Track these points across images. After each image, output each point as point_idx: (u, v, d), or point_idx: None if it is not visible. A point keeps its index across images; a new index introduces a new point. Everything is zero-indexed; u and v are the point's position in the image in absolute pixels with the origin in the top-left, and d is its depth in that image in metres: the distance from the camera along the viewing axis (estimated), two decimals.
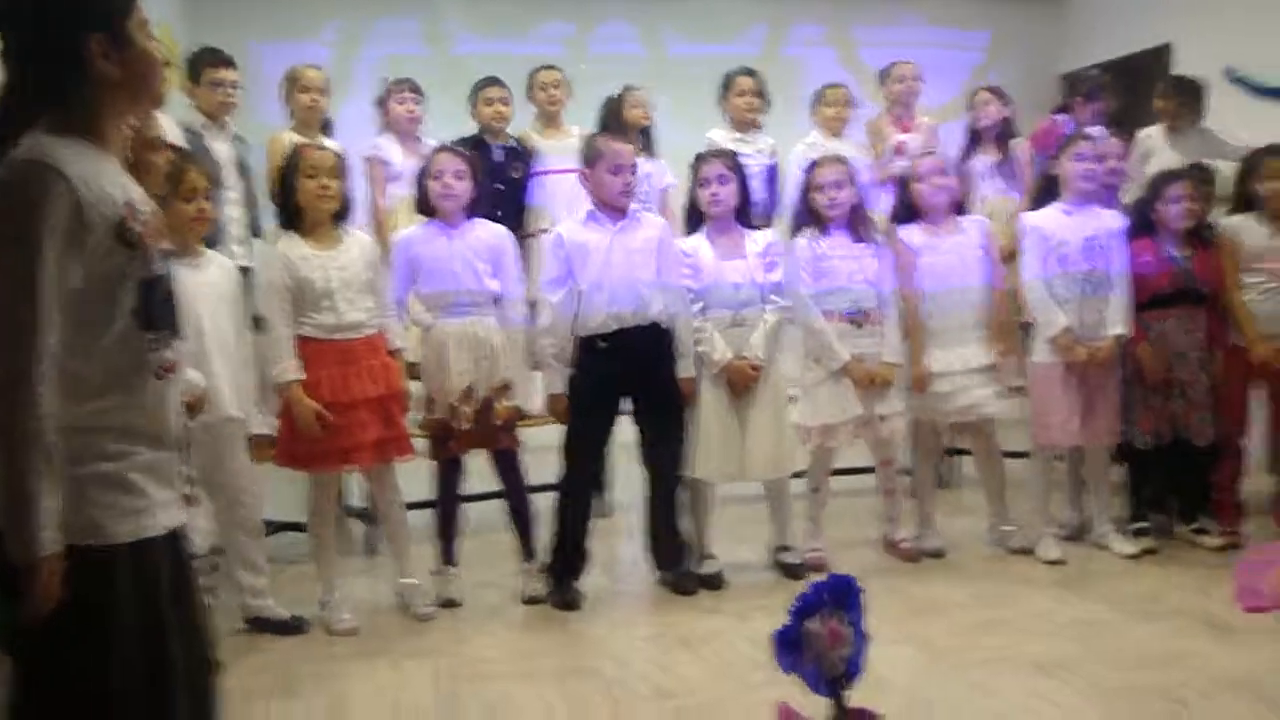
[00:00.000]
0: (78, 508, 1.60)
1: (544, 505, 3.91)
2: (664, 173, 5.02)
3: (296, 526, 4.40)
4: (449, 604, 3.73)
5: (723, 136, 4.98)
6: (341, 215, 3.56)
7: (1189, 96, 5.14)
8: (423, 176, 3.76)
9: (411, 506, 3.85)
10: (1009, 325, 4.24)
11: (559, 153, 5.00)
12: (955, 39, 7.31)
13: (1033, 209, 4.26)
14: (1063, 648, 3.27)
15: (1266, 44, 5.80)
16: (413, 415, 3.73)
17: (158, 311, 1.68)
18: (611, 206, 3.78)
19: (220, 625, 3.34)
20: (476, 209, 3.78)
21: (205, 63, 4.49)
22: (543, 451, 4.02)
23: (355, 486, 4.56)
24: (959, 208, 4.22)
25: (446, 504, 3.83)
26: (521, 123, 5.14)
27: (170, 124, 3.91)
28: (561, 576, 3.79)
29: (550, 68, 5.11)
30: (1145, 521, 4.26)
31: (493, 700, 3.02)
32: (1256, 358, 4.11)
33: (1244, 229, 4.20)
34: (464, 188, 3.71)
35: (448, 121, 5.11)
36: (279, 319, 3.44)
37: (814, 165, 4.11)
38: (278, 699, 3.05)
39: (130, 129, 1.85)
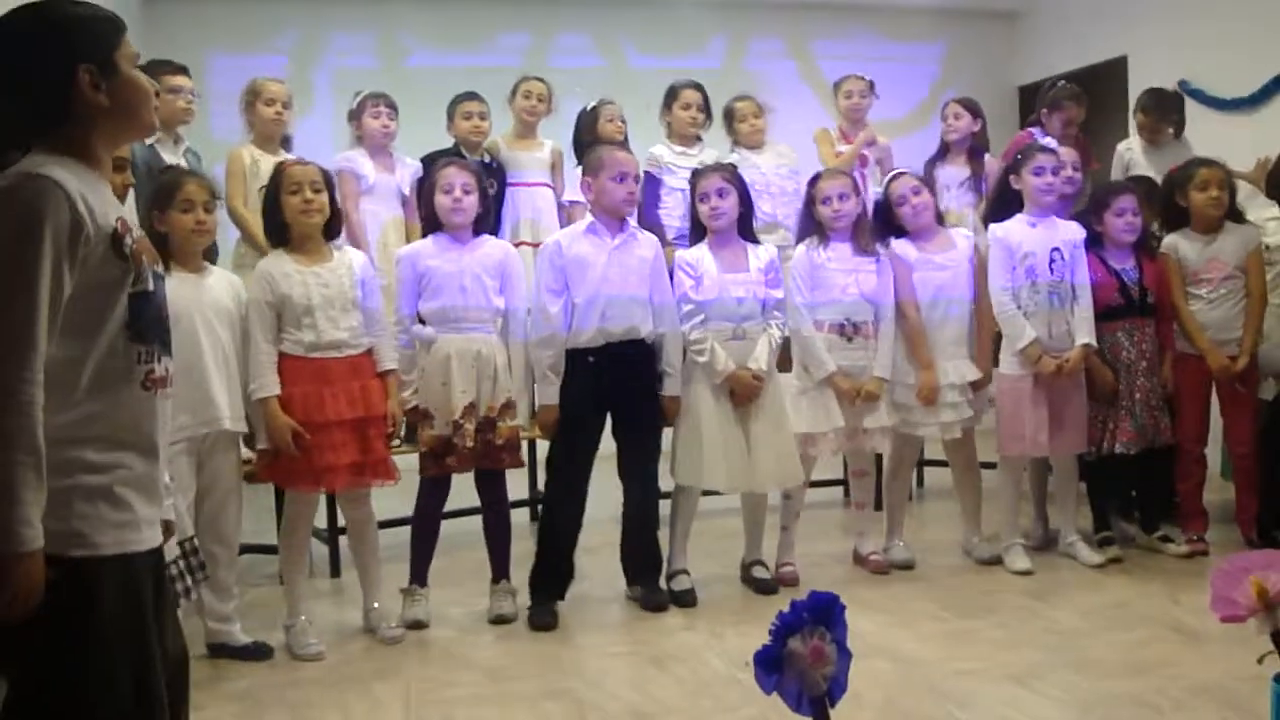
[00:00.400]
0: (63, 518, 1.61)
1: (516, 521, 3.87)
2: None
3: (257, 549, 4.33)
4: (416, 625, 3.67)
5: (665, 152, 4.95)
6: (331, 231, 3.52)
7: (1168, 110, 5.19)
8: (429, 191, 3.72)
9: (382, 525, 3.78)
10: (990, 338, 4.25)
11: (529, 166, 4.96)
12: (911, 53, 7.36)
13: (991, 220, 4.28)
14: (1035, 658, 3.28)
15: (1220, 58, 5.89)
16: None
17: (148, 326, 1.71)
18: (611, 216, 3.76)
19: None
20: (483, 224, 3.76)
21: (159, 71, 4.39)
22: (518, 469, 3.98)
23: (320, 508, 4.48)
24: (940, 219, 4.23)
25: (427, 523, 3.76)
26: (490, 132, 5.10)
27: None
28: (546, 592, 3.75)
29: (537, 78, 5.09)
30: (1109, 530, 4.28)
31: None
32: (1217, 366, 4.15)
33: (1180, 246, 4.25)
34: (472, 202, 3.68)
35: (404, 134, 5.06)
36: (259, 335, 3.40)
37: (818, 178, 4.13)
38: None
39: None
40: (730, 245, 3.92)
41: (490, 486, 3.78)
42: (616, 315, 3.69)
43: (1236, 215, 4.28)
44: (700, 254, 3.90)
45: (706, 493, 4.01)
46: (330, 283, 3.45)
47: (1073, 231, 4.16)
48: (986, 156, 5.17)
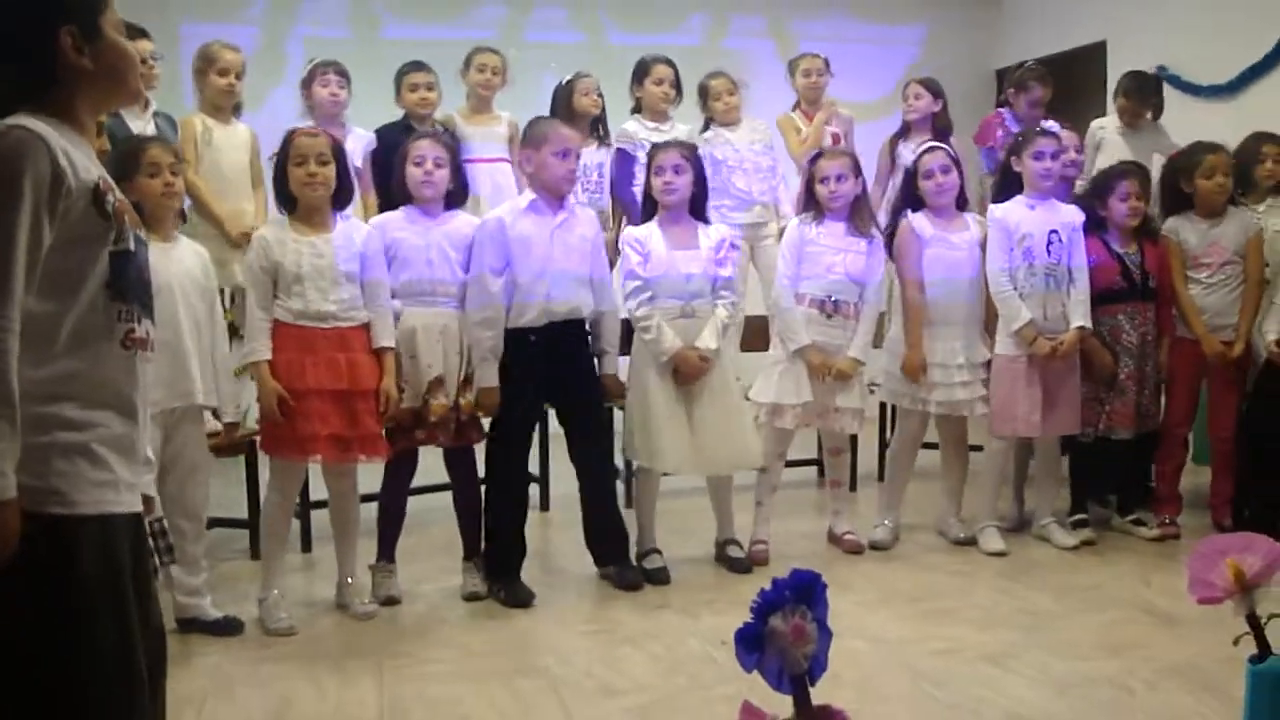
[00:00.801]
0: (40, 475, 1.58)
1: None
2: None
3: (228, 522, 4.27)
4: (389, 601, 3.64)
5: (638, 127, 4.91)
6: (339, 202, 3.48)
7: (1148, 93, 5.19)
8: (400, 162, 3.66)
9: None
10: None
11: (486, 139, 4.88)
12: (891, 34, 7.35)
13: (994, 201, 4.27)
14: (1010, 638, 3.29)
15: (1199, 43, 5.91)
16: None
17: (129, 285, 1.69)
18: (552, 192, 3.70)
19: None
20: (454, 199, 3.71)
21: None
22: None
23: None
24: (963, 202, 4.21)
25: (395, 499, 3.73)
26: (447, 105, 5.00)
27: None
28: (501, 571, 3.71)
29: (492, 50, 4.98)
30: (1084, 513, 4.30)
31: (438, 700, 2.94)
32: (1212, 351, 4.17)
33: (1182, 229, 4.26)
34: (444, 175, 3.63)
35: (377, 106, 4.99)
36: (253, 300, 3.40)
37: (818, 156, 4.11)
38: (214, 702, 2.93)
39: None
40: (681, 223, 3.88)
41: (459, 462, 3.75)
42: (560, 294, 3.65)
43: (1235, 200, 4.30)
44: (649, 231, 3.86)
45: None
46: (324, 254, 3.41)
47: (1071, 215, 4.16)
48: (952, 139, 5.15)
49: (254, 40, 6.16)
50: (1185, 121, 5.33)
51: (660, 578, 3.83)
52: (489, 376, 3.66)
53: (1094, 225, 4.20)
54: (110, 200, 1.66)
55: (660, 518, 4.00)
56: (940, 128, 5.11)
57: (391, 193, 3.75)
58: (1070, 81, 6.00)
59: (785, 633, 2.13)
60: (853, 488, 4.86)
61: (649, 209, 3.92)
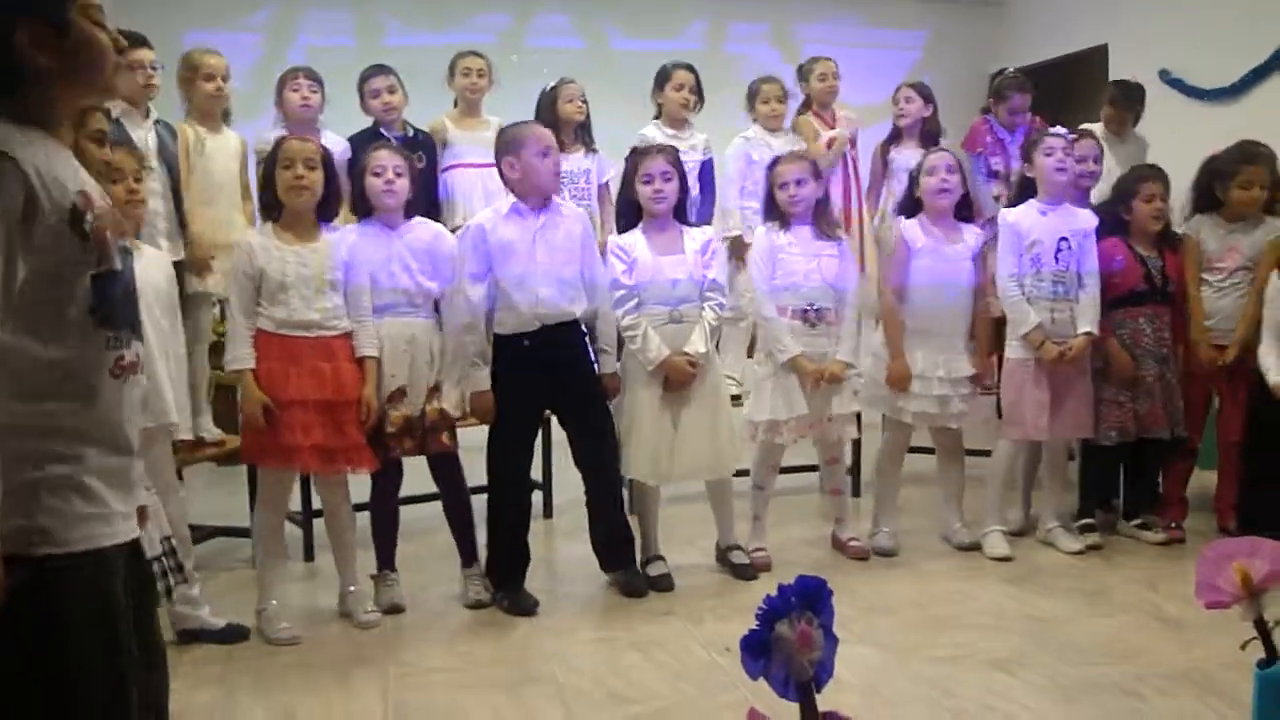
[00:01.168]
0: (28, 514, 1.50)
1: (481, 506, 3.81)
2: (605, 168, 4.91)
3: (226, 531, 4.27)
4: (393, 610, 3.62)
5: (658, 133, 4.91)
6: (326, 212, 3.47)
7: (1134, 101, 5.19)
8: (360, 173, 3.64)
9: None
10: (988, 333, 4.23)
11: (474, 144, 4.84)
12: (893, 39, 7.37)
13: (1011, 207, 4.26)
14: (1017, 644, 3.27)
15: (1200, 47, 5.91)
16: None
17: (116, 308, 1.60)
18: (537, 195, 3.68)
19: None
20: (413, 208, 3.69)
21: (118, 46, 4.28)
22: (477, 452, 3.93)
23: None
24: (963, 211, 4.18)
25: (383, 507, 3.72)
26: (439, 109, 5.01)
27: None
28: (506, 579, 3.70)
29: (475, 54, 4.96)
30: (1091, 518, 4.28)
31: (443, 709, 2.93)
32: (1204, 358, 4.17)
33: (1204, 227, 4.26)
34: (404, 185, 3.61)
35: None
36: (236, 307, 3.37)
37: (776, 162, 4.07)
38: (219, 714, 2.93)
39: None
40: (666, 229, 3.85)
41: (443, 470, 3.73)
42: (548, 297, 3.63)
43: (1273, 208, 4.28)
44: (633, 238, 3.84)
45: None
46: (309, 263, 3.40)
47: (1084, 220, 4.13)
48: (944, 142, 5.14)
49: (257, 48, 6.19)
50: (1188, 125, 5.36)
51: (664, 584, 3.82)
52: (480, 381, 3.64)
53: (1116, 228, 4.18)
54: (89, 219, 1.55)
55: (662, 524, 3.99)
56: (930, 132, 5.11)
57: (355, 205, 3.71)
58: (1072, 85, 6.00)
59: (791, 639, 2.12)
60: (856, 493, 4.86)
61: (631, 216, 3.89)
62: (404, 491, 3.81)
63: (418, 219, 3.71)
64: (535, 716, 2.89)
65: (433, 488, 3.82)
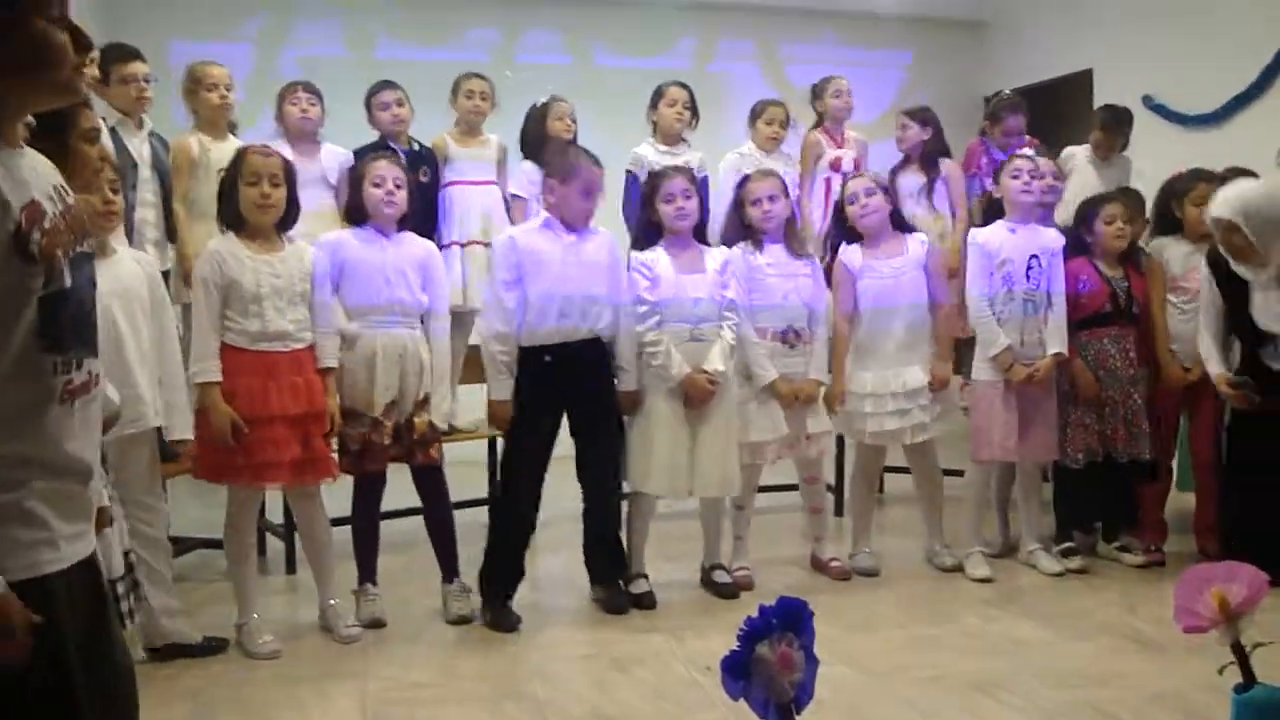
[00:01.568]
0: None
1: (463, 521, 3.83)
2: None
3: (209, 543, 4.25)
4: (374, 624, 3.61)
5: (651, 151, 4.94)
6: (285, 222, 3.45)
7: (1123, 126, 5.25)
8: (358, 182, 3.65)
9: (333, 523, 3.72)
10: (950, 342, 4.25)
11: (474, 161, 4.90)
12: (879, 59, 7.39)
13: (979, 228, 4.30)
14: (997, 665, 3.28)
15: (1184, 72, 5.96)
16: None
17: (65, 330, 1.49)
18: (567, 224, 3.71)
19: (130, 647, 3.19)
20: (406, 222, 3.70)
21: (113, 59, 4.31)
22: (463, 467, 3.93)
23: (274, 502, 4.40)
24: (901, 224, 4.21)
25: (366, 521, 3.72)
26: (439, 126, 5.03)
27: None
28: (497, 593, 3.70)
29: (479, 76, 5.01)
30: (1071, 541, 4.30)
31: None
32: (1171, 377, 4.20)
33: (1167, 248, 4.30)
34: (403, 197, 3.62)
35: (366, 126, 4.99)
36: (204, 317, 3.32)
37: (746, 180, 4.10)
38: None
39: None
40: (687, 248, 3.89)
41: (427, 483, 3.72)
42: (574, 313, 3.65)
43: None
44: (656, 255, 3.87)
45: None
46: (281, 273, 3.38)
47: (1052, 239, 4.18)
48: (947, 161, 5.18)
49: (247, 59, 6.18)
50: (1171, 150, 5.39)
51: (647, 602, 3.82)
52: (503, 389, 3.65)
53: (1080, 249, 4.22)
54: (35, 238, 1.44)
55: (647, 541, 3.99)
56: (933, 154, 5.15)
57: (349, 213, 3.72)
58: (1057, 109, 6.04)
59: (772, 661, 2.12)
60: (839, 512, 4.87)
61: (651, 235, 3.92)
62: (386, 505, 3.80)
63: (410, 234, 3.72)
64: None
65: (414, 501, 3.82)
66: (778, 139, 5.15)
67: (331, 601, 3.60)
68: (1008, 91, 5.51)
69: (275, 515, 4.30)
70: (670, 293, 3.80)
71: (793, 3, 7.13)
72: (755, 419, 3.95)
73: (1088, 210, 4.29)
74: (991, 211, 4.29)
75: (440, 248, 4.57)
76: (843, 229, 4.21)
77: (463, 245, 4.80)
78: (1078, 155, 5.28)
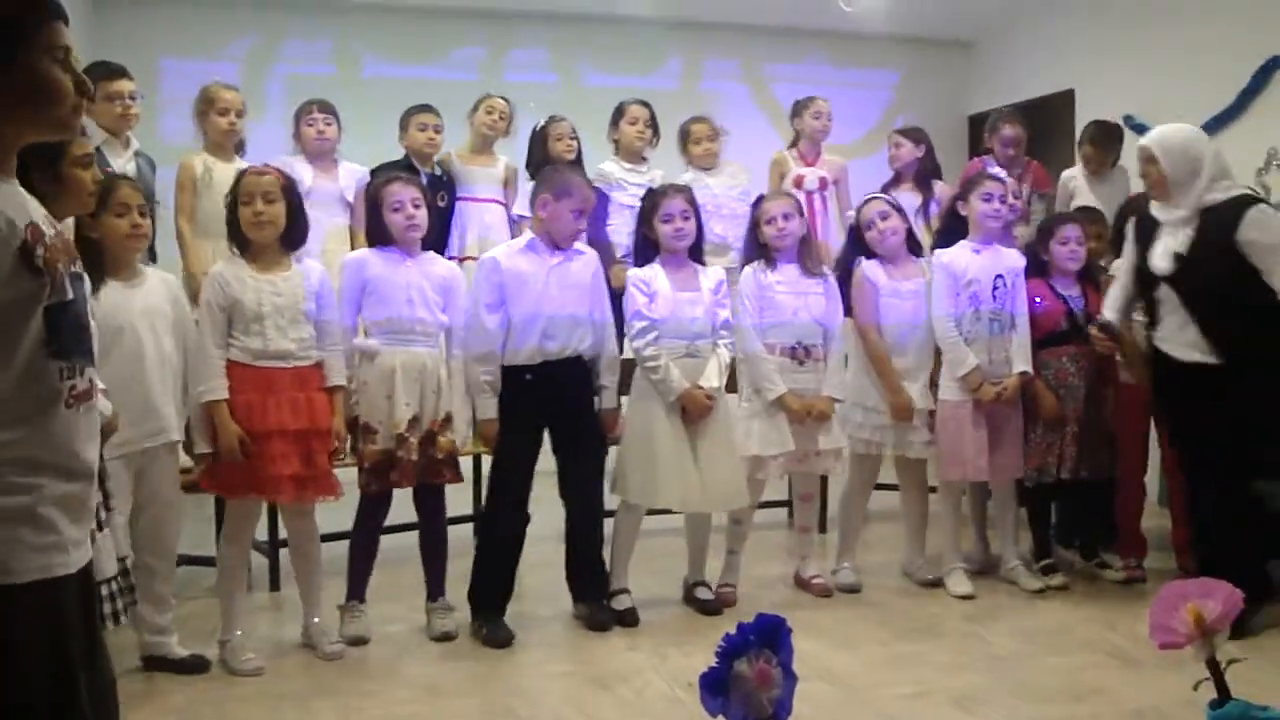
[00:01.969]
0: None
1: (454, 538, 3.84)
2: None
3: (194, 560, 4.25)
4: (358, 641, 3.62)
5: (615, 169, 4.98)
6: (291, 240, 3.48)
7: (1112, 141, 5.31)
8: (375, 208, 3.68)
9: (322, 540, 3.72)
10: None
11: (482, 180, 4.96)
12: (865, 79, 7.46)
13: (938, 246, 4.33)
14: (977, 682, 3.31)
15: (1165, 92, 6.02)
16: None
17: (68, 339, 1.59)
18: (556, 241, 3.74)
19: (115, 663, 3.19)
20: (427, 240, 3.74)
21: (98, 77, 4.31)
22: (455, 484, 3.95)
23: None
24: (915, 246, 4.25)
25: (367, 538, 3.72)
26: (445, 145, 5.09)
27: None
28: (488, 608, 3.71)
29: (503, 97, 5.11)
30: (1050, 559, 4.32)
31: None
32: (1138, 378, 4.22)
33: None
34: (424, 216, 3.66)
35: (357, 143, 5.04)
36: (208, 338, 3.37)
37: (761, 199, 4.16)
38: None
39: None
40: (683, 266, 3.93)
41: (429, 502, 3.74)
42: (557, 333, 3.68)
43: None
44: (653, 272, 3.90)
45: (651, 511, 4.00)
46: (283, 292, 3.41)
47: (1014, 259, 4.22)
48: (939, 184, 5.23)
49: (235, 77, 6.20)
50: None
51: (629, 619, 3.83)
52: (488, 408, 3.68)
53: (1037, 269, 4.26)
54: (39, 254, 1.55)
55: (630, 558, 4.00)
56: (927, 172, 5.19)
57: (371, 237, 3.77)
58: (1040, 129, 6.08)
59: (750, 677, 2.16)
60: (823, 529, 4.89)
61: (647, 253, 3.95)
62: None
63: (433, 253, 3.78)
64: None
65: (399, 519, 3.83)
66: (711, 153, 5.11)
67: (315, 619, 3.61)
68: (1005, 107, 5.58)
69: (260, 532, 4.30)
70: (667, 310, 3.83)
71: (780, 22, 7.18)
72: (761, 434, 3.97)
73: (1043, 230, 4.34)
74: (951, 228, 4.30)
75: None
76: (859, 248, 4.24)
77: (460, 260, 4.82)
78: (1077, 177, 5.33)
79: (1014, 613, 3.97)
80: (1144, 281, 3.88)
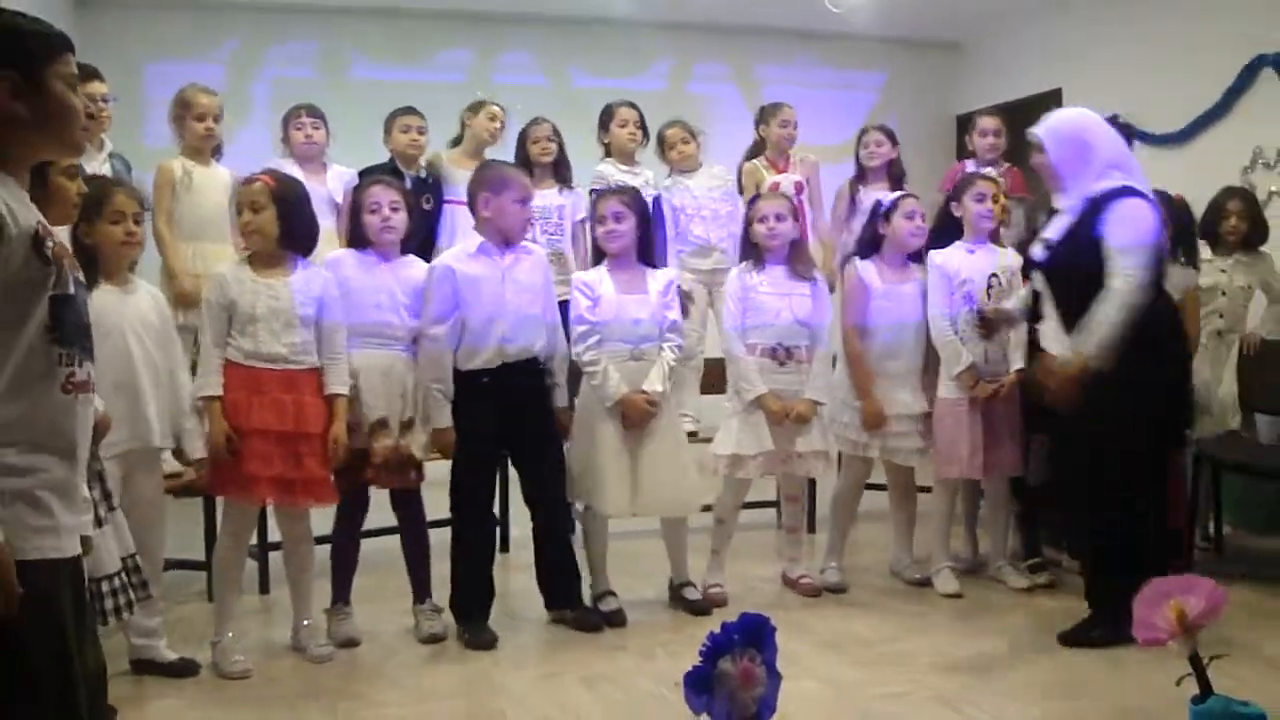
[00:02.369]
0: None
1: (435, 540, 3.84)
2: (580, 206, 4.96)
3: (185, 564, 4.25)
4: (348, 644, 3.62)
5: (613, 170, 4.98)
6: (290, 244, 3.47)
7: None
8: (355, 210, 3.68)
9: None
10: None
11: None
12: (853, 80, 7.49)
13: (932, 247, 4.34)
14: (964, 680, 3.31)
15: (1151, 92, 6.07)
16: None
17: (69, 329, 1.71)
18: (505, 237, 3.74)
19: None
20: (409, 243, 3.74)
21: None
22: (435, 487, 3.95)
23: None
24: (918, 254, 4.25)
25: (346, 541, 3.73)
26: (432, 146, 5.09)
27: None
28: (470, 614, 3.71)
29: (502, 105, 5.10)
30: (1038, 558, 4.34)
31: None
32: None
33: None
34: (402, 219, 3.66)
35: (343, 146, 5.05)
36: (208, 336, 3.40)
37: (756, 199, 4.16)
38: None
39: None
40: (628, 268, 3.91)
41: (404, 504, 3.75)
42: (515, 335, 3.67)
43: (1182, 253, 4.37)
44: (598, 275, 3.90)
45: None
46: (280, 296, 3.42)
47: (1010, 259, 4.22)
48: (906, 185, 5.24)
49: (220, 80, 6.20)
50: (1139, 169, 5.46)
51: (616, 620, 3.84)
52: (442, 418, 3.66)
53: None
54: (49, 244, 1.68)
55: (615, 560, 4.01)
56: (896, 174, 5.21)
57: (351, 239, 3.76)
58: (1027, 128, 6.09)
59: (734, 676, 2.17)
60: (811, 529, 4.90)
61: (598, 254, 3.96)
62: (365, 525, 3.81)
63: (412, 257, 3.77)
64: None
65: (386, 522, 3.83)
66: (688, 156, 5.13)
67: (305, 622, 3.61)
68: (986, 109, 5.62)
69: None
70: (611, 313, 3.82)
71: (768, 24, 7.21)
72: (738, 433, 3.98)
73: (1037, 230, 4.33)
74: (944, 229, 4.32)
75: None
76: (869, 243, 4.24)
77: None
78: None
79: (1001, 612, 3.98)
80: (1027, 274, 3.88)
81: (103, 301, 3.12)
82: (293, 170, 4.64)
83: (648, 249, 3.98)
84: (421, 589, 3.77)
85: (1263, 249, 4.79)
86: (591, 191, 4.25)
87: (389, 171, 4.62)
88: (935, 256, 4.22)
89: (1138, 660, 3.27)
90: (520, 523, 4.07)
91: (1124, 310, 3.40)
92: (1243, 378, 4.71)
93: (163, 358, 3.34)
